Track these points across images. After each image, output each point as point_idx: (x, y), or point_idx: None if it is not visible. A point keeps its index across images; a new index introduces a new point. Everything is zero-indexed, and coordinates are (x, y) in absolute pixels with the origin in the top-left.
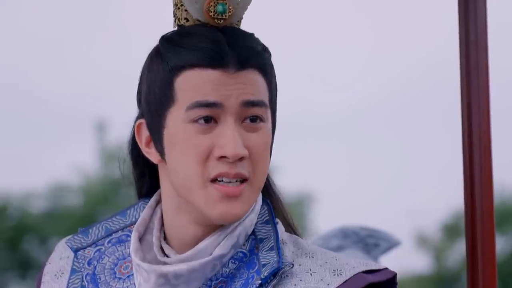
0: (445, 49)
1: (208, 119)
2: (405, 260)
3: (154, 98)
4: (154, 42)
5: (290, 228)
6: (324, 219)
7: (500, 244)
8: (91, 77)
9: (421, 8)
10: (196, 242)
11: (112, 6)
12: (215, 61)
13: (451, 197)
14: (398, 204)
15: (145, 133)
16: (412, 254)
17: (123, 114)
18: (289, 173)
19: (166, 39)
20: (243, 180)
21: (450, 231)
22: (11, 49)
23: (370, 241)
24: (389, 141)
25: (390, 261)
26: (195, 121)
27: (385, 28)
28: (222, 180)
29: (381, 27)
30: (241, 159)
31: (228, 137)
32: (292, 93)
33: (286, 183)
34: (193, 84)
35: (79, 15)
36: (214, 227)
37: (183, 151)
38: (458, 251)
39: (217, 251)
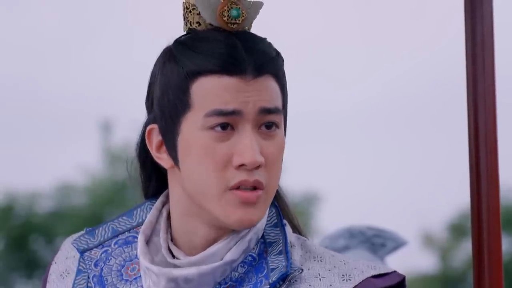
0: (449, 50)
1: (224, 126)
2: (410, 260)
3: (169, 103)
4: (159, 42)
5: (296, 230)
6: (329, 219)
7: (506, 244)
8: (96, 77)
9: (426, 9)
10: (207, 245)
11: (116, 7)
12: (232, 67)
13: (457, 197)
14: (404, 204)
15: (156, 138)
16: (418, 254)
17: (128, 115)
18: (293, 173)
19: (180, 43)
20: (258, 188)
21: (456, 230)
22: (16, 49)
23: (377, 241)
24: (393, 140)
25: (395, 261)
26: (212, 128)
27: (388, 28)
28: (240, 187)
29: (384, 28)
30: (258, 166)
31: (246, 144)
32: (295, 94)
33: (291, 183)
34: (211, 91)
35: (84, 16)
36: (226, 230)
37: (200, 159)
38: (464, 250)
39: (228, 256)
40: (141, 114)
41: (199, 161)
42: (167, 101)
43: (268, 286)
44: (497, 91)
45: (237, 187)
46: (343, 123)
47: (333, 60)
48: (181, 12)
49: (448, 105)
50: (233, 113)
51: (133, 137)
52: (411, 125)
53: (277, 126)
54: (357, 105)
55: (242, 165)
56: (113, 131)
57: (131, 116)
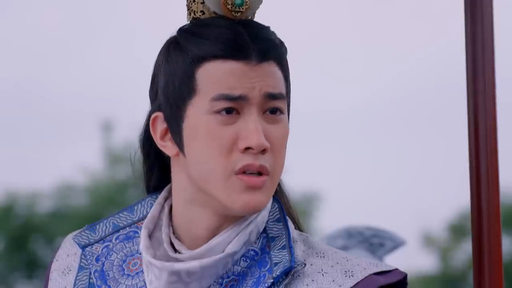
0: (449, 50)
1: (230, 111)
2: (411, 260)
3: (174, 90)
4: (161, 42)
5: (296, 225)
6: (329, 219)
7: (506, 244)
8: (97, 77)
9: (426, 8)
10: (209, 235)
11: (117, 7)
12: (237, 52)
13: (457, 197)
14: (404, 204)
15: (161, 126)
16: (418, 254)
17: (129, 115)
18: (293, 173)
19: (184, 30)
20: (264, 174)
21: (456, 231)
22: (17, 49)
23: (375, 241)
24: (392, 140)
25: (395, 261)
26: (218, 112)
27: (388, 28)
28: (246, 172)
29: (383, 27)
30: (264, 151)
31: (252, 128)
32: (293, 94)
33: (290, 183)
34: (216, 76)
35: (85, 16)
36: (229, 218)
37: (206, 143)
38: (464, 250)
39: (230, 248)
40: (142, 114)
41: (205, 145)
42: (172, 88)
43: (272, 280)
44: (497, 91)
45: (243, 172)
46: (342, 123)
47: (332, 59)
48: (183, 12)
49: (447, 105)
50: (239, 98)
51: (134, 137)
52: (410, 125)
53: (282, 112)
54: (357, 105)
55: (247, 148)
56: (114, 131)
57: (132, 116)
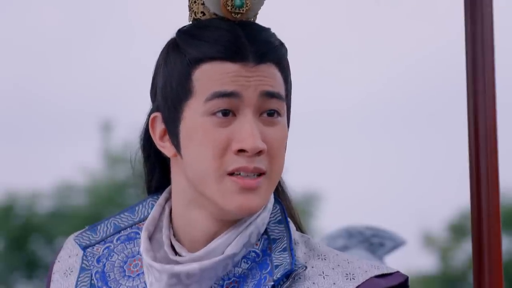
0: (449, 50)
1: (226, 113)
2: (410, 260)
3: (171, 91)
4: (161, 42)
5: (297, 227)
6: (329, 218)
7: (506, 244)
8: (97, 77)
9: (426, 8)
10: (207, 238)
11: (117, 7)
12: (234, 54)
13: (457, 197)
14: (404, 204)
15: (159, 127)
16: (418, 254)
17: (128, 115)
18: (293, 173)
19: (183, 32)
20: (260, 174)
21: (456, 231)
22: (17, 49)
23: (375, 241)
24: (392, 140)
25: (395, 261)
26: (213, 114)
27: (387, 28)
28: (240, 174)
29: (383, 27)
30: (259, 153)
31: (247, 130)
32: (293, 94)
33: (290, 183)
34: (212, 77)
35: (86, 16)
36: (227, 223)
37: (201, 144)
38: (464, 250)
39: (229, 250)
40: (142, 115)
41: (200, 147)
42: (169, 89)
43: (272, 283)
44: (497, 91)
45: (236, 173)
46: (342, 123)
47: (332, 59)
48: (183, 12)
49: (447, 105)
50: (232, 94)
51: (134, 137)
52: (410, 125)
53: (279, 114)
54: (356, 105)
55: (241, 150)
56: (113, 131)
57: (131, 116)
